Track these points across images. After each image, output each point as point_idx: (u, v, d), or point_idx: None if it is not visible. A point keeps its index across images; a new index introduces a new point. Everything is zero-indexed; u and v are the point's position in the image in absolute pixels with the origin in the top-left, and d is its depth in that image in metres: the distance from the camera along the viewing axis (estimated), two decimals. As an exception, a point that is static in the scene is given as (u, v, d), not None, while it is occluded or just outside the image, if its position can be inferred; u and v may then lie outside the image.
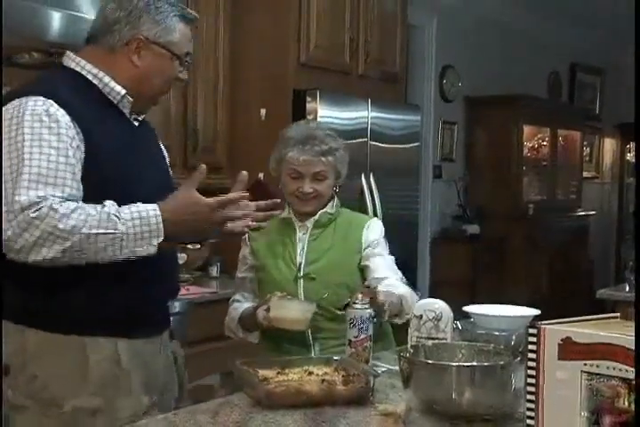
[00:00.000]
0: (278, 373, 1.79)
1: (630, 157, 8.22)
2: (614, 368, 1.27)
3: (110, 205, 1.66)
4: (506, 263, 5.87)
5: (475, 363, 1.70)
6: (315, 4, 3.79)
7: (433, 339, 1.88)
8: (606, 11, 6.38)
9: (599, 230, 7.76)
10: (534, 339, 1.37)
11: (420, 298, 2.14)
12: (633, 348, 1.24)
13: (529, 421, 1.39)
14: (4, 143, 1.65)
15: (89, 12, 2.82)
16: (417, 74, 5.56)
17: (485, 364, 1.68)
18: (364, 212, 3.77)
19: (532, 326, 1.38)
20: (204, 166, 1.74)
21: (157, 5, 1.83)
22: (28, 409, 1.76)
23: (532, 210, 6.09)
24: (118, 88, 1.82)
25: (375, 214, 3.88)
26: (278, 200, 1.94)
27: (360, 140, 3.95)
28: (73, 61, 1.83)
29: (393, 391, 1.79)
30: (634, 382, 1.24)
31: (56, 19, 2.71)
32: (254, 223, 1.83)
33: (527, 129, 6.25)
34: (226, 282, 3.49)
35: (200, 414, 1.63)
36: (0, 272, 1.73)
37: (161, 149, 2.04)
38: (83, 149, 1.70)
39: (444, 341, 1.88)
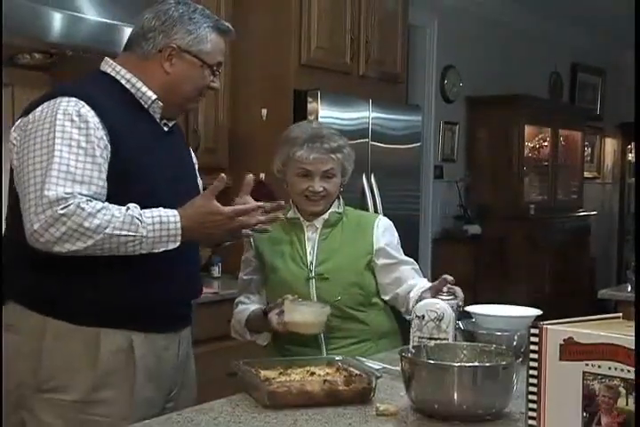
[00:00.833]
0: (280, 373, 1.80)
1: (632, 157, 8.22)
2: (616, 368, 1.27)
3: (133, 207, 1.73)
4: (507, 263, 5.87)
5: (476, 363, 1.70)
6: (315, 5, 3.79)
7: (435, 339, 1.88)
8: (607, 11, 6.38)
9: (600, 231, 7.76)
10: (536, 339, 1.37)
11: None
12: (634, 348, 1.24)
13: (530, 421, 1.39)
14: (37, 140, 1.73)
15: (90, 13, 2.83)
16: (418, 74, 5.56)
17: (487, 364, 1.68)
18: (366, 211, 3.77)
19: (533, 327, 1.38)
20: (223, 175, 1.81)
21: (191, 16, 1.91)
22: (34, 400, 1.79)
23: (534, 210, 6.09)
24: (150, 93, 1.89)
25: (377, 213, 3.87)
26: (282, 202, 1.98)
27: (361, 140, 3.95)
28: (109, 66, 1.92)
29: (394, 392, 1.79)
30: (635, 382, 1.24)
31: (57, 19, 2.71)
32: (260, 226, 1.89)
33: (528, 129, 6.25)
34: (227, 282, 3.49)
35: (203, 415, 1.64)
36: (20, 260, 1.81)
37: (189, 154, 2.11)
38: (109, 149, 1.76)
39: (446, 341, 1.88)
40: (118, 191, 1.76)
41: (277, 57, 3.77)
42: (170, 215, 1.75)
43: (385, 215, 3.86)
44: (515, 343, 1.97)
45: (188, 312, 2.01)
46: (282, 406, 1.66)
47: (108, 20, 2.84)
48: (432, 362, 1.66)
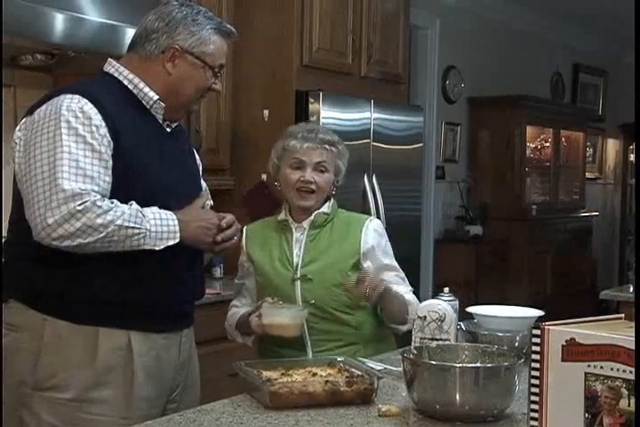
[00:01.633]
0: (282, 374, 1.80)
1: (633, 157, 8.22)
2: (618, 369, 1.27)
3: (135, 204, 1.76)
4: (509, 264, 5.87)
5: (478, 364, 1.70)
6: (317, 6, 3.79)
7: (436, 340, 1.88)
8: (609, 11, 6.38)
9: (602, 231, 7.75)
10: (538, 340, 1.37)
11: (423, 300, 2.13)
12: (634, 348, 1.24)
13: (532, 422, 1.39)
14: (43, 136, 1.74)
15: (92, 14, 2.83)
16: (420, 75, 5.56)
17: (489, 365, 1.68)
18: (367, 213, 3.77)
19: (535, 327, 1.38)
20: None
21: (195, 18, 1.92)
22: (33, 398, 1.79)
23: (535, 211, 6.09)
24: (151, 94, 1.90)
25: (378, 215, 3.87)
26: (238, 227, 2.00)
27: (363, 141, 3.95)
28: (112, 67, 1.93)
29: (396, 393, 1.79)
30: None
31: (59, 20, 2.71)
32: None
33: (530, 130, 6.25)
34: (229, 283, 3.48)
35: (204, 415, 1.64)
36: (21, 259, 1.83)
37: (193, 155, 2.12)
38: (112, 146, 1.78)
39: (448, 342, 1.88)
40: (119, 190, 1.77)
41: (279, 58, 3.77)
42: (167, 212, 1.80)
43: (386, 216, 3.88)
44: (516, 344, 1.97)
45: (190, 313, 2.01)
46: (283, 407, 1.66)
47: (110, 21, 2.84)
48: (434, 363, 1.66)
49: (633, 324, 1.34)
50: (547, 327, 1.35)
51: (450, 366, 1.61)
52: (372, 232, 2.30)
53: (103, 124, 1.77)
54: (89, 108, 1.76)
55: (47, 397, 1.79)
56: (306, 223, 2.28)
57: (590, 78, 7.82)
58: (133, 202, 1.77)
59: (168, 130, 1.97)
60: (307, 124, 2.37)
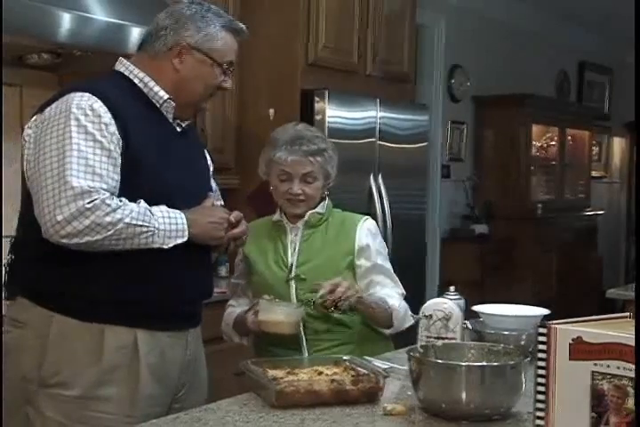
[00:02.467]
0: (288, 373, 1.80)
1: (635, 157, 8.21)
2: (624, 368, 1.27)
3: (143, 202, 1.77)
4: (514, 263, 5.86)
5: (484, 363, 1.70)
6: (323, 4, 3.79)
7: (442, 339, 1.88)
8: (615, 10, 6.36)
9: (608, 230, 7.74)
10: (544, 339, 1.36)
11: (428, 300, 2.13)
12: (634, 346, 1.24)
13: (538, 421, 1.39)
14: (52, 134, 1.75)
15: (98, 13, 2.83)
16: (425, 74, 5.55)
17: (495, 364, 1.68)
18: (373, 211, 3.77)
19: (542, 326, 1.38)
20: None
21: (204, 15, 1.92)
22: (38, 395, 1.80)
23: (541, 209, 6.08)
24: (162, 93, 1.90)
25: (383, 214, 3.87)
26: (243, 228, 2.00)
27: (368, 140, 3.95)
28: (123, 66, 1.93)
29: (402, 391, 1.79)
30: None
31: (65, 20, 2.71)
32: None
33: (535, 128, 6.23)
34: (235, 282, 3.49)
35: (210, 414, 1.64)
36: (29, 256, 1.84)
37: (204, 155, 2.12)
38: (121, 144, 1.78)
39: (454, 341, 1.88)
40: (126, 189, 1.77)
41: (285, 57, 3.77)
42: (176, 211, 1.81)
43: (392, 215, 3.88)
44: (523, 343, 1.97)
45: (196, 312, 2.01)
46: (289, 406, 1.66)
47: (117, 21, 2.84)
48: (440, 362, 1.66)
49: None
50: (553, 326, 1.35)
51: (456, 365, 1.61)
52: (366, 231, 2.31)
53: (112, 121, 1.77)
54: (99, 105, 1.76)
55: (52, 394, 1.79)
56: (300, 223, 2.28)
57: (596, 77, 7.80)
58: (142, 200, 1.77)
59: (179, 129, 1.97)
60: (293, 127, 2.30)
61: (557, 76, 7.24)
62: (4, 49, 2.58)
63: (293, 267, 2.24)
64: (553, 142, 6.64)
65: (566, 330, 1.34)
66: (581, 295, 6.41)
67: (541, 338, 1.37)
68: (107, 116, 1.76)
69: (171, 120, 1.94)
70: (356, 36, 4.01)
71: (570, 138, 6.84)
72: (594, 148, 7.53)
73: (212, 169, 2.15)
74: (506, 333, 2.02)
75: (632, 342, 1.26)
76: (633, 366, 1.26)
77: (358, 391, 1.71)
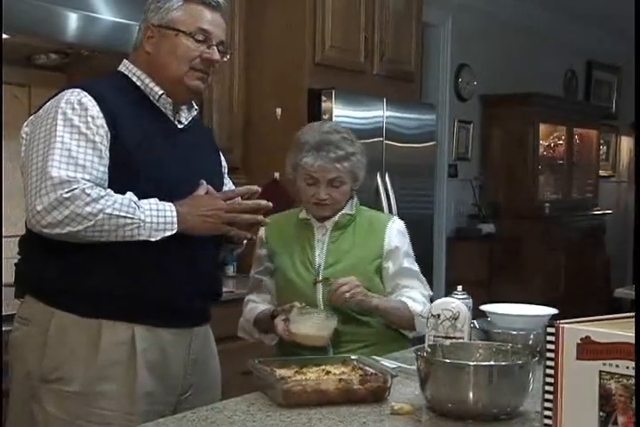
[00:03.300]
0: (296, 372, 1.80)
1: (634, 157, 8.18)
2: (632, 368, 1.27)
3: (131, 195, 1.75)
4: (521, 262, 5.85)
5: (492, 362, 1.69)
6: (329, 4, 3.79)
7: (450, 338, 1.88)
8: (623, 8, 6.33)
9: (615, 229, 7.71)
10: (552, 338, 1.36)
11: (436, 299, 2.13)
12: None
13: (546, 420, 1.38)
14: (42, 129, 1.77)
15: (105, 13, 2.83)
16: (432, 73, 5.55)
17: (503, 363, 1.68)
18: (380, 211, 3.77)
19: (550, 326, 1.37)
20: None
21: None
22: (40, 390, 1.80)
23: (548, 209, 6.06)
24: (157, 88, 1.90)
25: (390, 214, 3.87)
26: (263, 202, 1.89)
27: (375, 139, 3.95)
28: (124, 66, 1.95)
29: (409, 391, 1.79)
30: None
31: (73, 20, 2.72)
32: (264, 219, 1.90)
33: (543, 127, 6.22)
34: (242, 281, 3.49)
35: (217, 413, 1.64)
36: (33, 253, 1.84)
37: (211, 152, 2.09)
38: (108, 137, 1.78)
39: (462, 340, 1.87)
40: (119, 187, 1.76)
41: (291, 56, 3.77)
42: (166, 204, 1.78)
43: (399, 214, 3.86)
44: (530, 342, 1.96)
45: (201, 310, 1.99)
46: (297, 405, 1.66)
47: (124, 20, 2.85)
48: (448, 361, 1.66)
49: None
50: (561, 326, 1.35)
51: (464, 365, 1.61)
52: (396, 232, 2.30)
53: (101, 115, 1.77)
54: (87, 99, 1.78)
55: (53, 389, 1.79)
56: (329, 224, 2.27)
57: (604, 75, 7.77)
58: (130, 192, 1.75)
59: (180, 126, 1.95)
60: (320, 128, 2.25)
61: (565, 75, 7.22)
62: (12, 50, 2.59)
63: (321, 269, 2.23)
64: (560, 141, 6.63)
65: (574, 330, 1.33)
66: (589, 295, 6.39)
67: (549, 338, 1.37)
68: (94, 110, 1.77)
69: (172, 117, 1.93)
70: (362, 35, 4.01)
71: (577, 137, 6.83)
72: (601, 147, 7.51)
73: (225, 167, 2.13)
74: (514, 332, 2.02)
75: None
76: (641, 366, 1.26)
77: (366, 391, 1.71)
